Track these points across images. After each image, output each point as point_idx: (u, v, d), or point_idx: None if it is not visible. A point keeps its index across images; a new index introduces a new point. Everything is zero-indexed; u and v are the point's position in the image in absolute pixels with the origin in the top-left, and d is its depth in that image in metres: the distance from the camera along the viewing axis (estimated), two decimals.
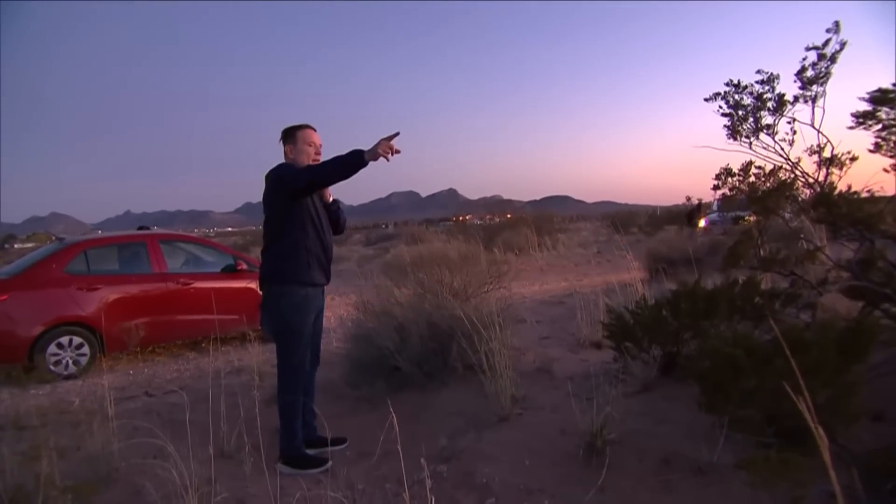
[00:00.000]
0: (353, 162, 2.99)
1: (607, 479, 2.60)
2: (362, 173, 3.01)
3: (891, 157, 3.11)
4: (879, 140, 3.16)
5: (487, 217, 30.80)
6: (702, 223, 16.88)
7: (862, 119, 3.07)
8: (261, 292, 3.36)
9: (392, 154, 2.97)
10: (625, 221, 26.65)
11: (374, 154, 2.94)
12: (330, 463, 3.30)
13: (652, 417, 3.23)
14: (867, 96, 2.99)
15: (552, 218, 25.90)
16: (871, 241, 3.37)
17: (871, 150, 3.35)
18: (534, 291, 10.57)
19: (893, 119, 3.01)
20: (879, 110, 3.02)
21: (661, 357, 3.75)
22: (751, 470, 2.21)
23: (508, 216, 25.57)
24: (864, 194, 3.41)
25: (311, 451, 3.39)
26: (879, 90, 2.97)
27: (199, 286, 7.14)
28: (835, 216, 3.10)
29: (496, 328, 3.92)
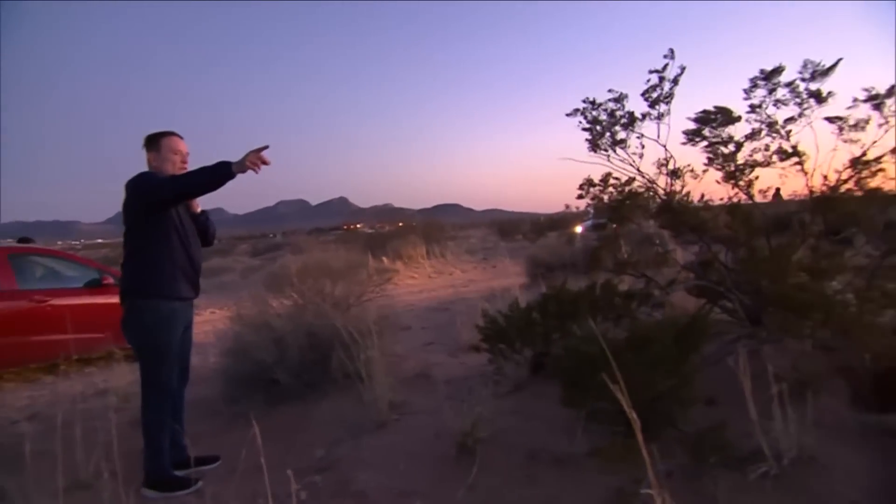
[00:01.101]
0: (219, 174, 2.92)
1: (477, 477, 2.71)
2: (247, 181, 2.94)
3: (718, 169, 3.51)
4: (710, 155, 3.56)
5: (378, 225, 30.71)
6: (578, 229, 17.92)
7: (691, 137, 3.46)
8: (122, 307, 3.16)
9: (261, 166, 2.92)
10: (510, 229, 27.69)
11: (242, 166, 2.89)
12: (200, 483, 3.16)
13: (521, 415, 3.40)
14: (694, 117, 3.38)
15: (442, 226, 26.33)
16: (708, 244, 3.79)
17: (705, 164, 3.78)
18: (422, 298, 10.71)
19: (715, 137, 3.42)
20: (704, 129, 3.42)
21: (532, 357, 3.96)
22: (600, 457, 2.42)
23: (399, 224, 25.68)
24: (701, 202, 3.85)
25: (180, 473, 3.23)
26: (703, 112, 3.36)
27: (57, 303, 6.53)
28: (676, 222, 3.47)
29: (376, 336, 3.95)
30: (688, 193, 3.94)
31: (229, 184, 2.99)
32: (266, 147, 2.92)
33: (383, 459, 3.08)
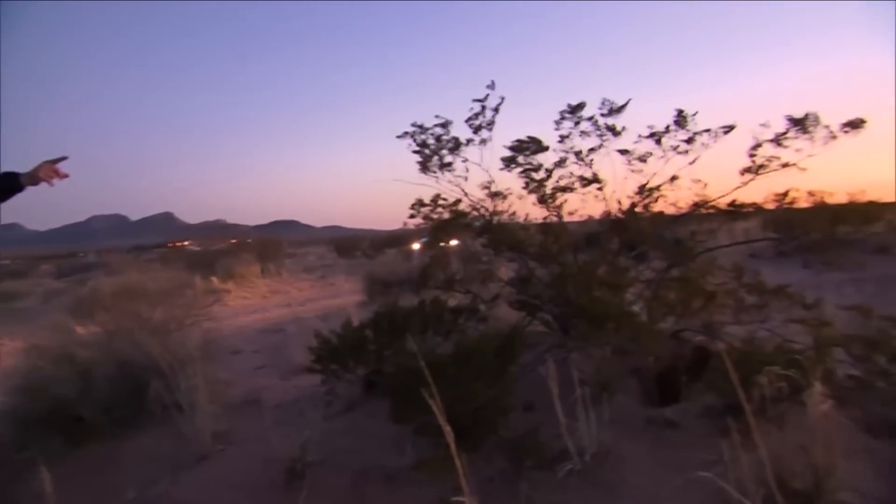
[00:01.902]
0: (4, 186, 2.55)
1: (306, 502, 2.64)
2: (47, 194, 2.58)
3: (532, 193, 3.84)
4: (526, 180, 3.89)
5: (208, 242, 28.71)
6: (416, 246, 18.32)
7: (507, 163, 3.76)
8: None
9: (57, 179, 2.61)
10: (350, 246, 27.51)
11: (34, 178, 2.55)
12: None
13: (353, 435, 3.39)
14: (509, 145, 3.69)
15: (278, 243, 25.41)
16: (526, 261, 4.11)
17: (523, 188, 4.11)
18: (254, 320, 10.21)
19: (528, 164, 3.75)
20: (518, 156, 3.74)
21: (365, 376, 3.97)
22: (424, 469, 2.50)
23: (232, 241, 24.27)
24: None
25: None
26: (518, 140, 3.68)
27: None
28: (497, 241, 3.72)
29: (200, 363, 3.70)
30: (513, 214, 4.25)
31: (23, 197, 2.63)
32: (64, 158, 2.62)
33: (204, 494, 2.88)
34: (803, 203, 3.32)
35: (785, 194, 3.32)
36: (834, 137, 3.34)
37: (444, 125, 4.08)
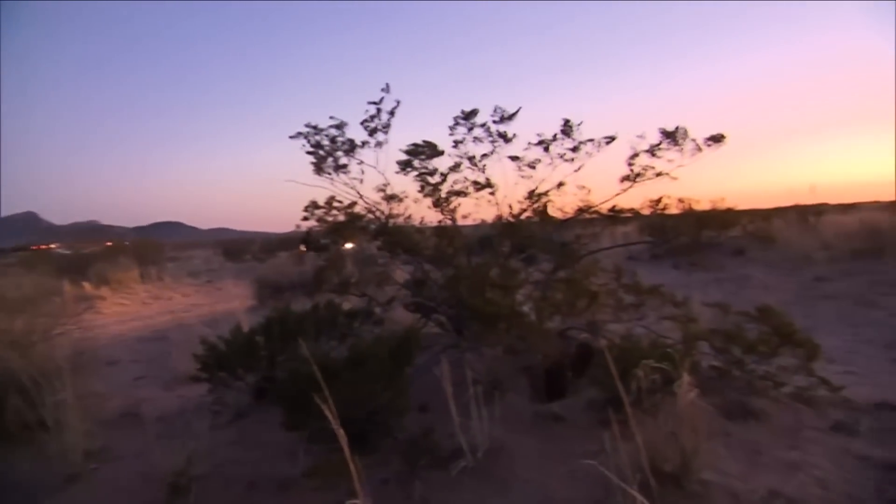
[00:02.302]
0: None
1: None
2: None
3: (427, 197, 3.89)
4: (422, 184, 3.93)
5: (79, 245, 26.25)
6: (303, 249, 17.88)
7: (402, 167, 3.78)
8: None
9: None
10: (238, 249, 26.35)
11: None
12: None
13: (243, 444, 3.26)
14: (405, 149, 3.72)
15: (160, 246, 23.79)
16: (421, 264, 4.15)
17: (419, 192, 4.14)
18: (133, 328, 9.49)
19: (423, 168, 3.80)
20: (413, 160, 3.77)
21: (255, 383, 3.82)
22: (317, 475, 2.45)
23: (107, 244, 22.38)
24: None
25: None
26: (413, 145, 3.72)
27: None
28: (392, 244, 3.73)
29: (68, 376, 3.39)
30: (408, 217, 4.27)
31: None
32: None
33: None
34: (674, 209, 3.62)
35: (658, 201, 3.60)
36: (700, 150, 3.67)
37: (339, 126, 4.03)
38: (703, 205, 3.62)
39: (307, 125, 4.05)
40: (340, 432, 1.57)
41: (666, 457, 2.38)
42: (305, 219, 4.60)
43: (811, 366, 3.23)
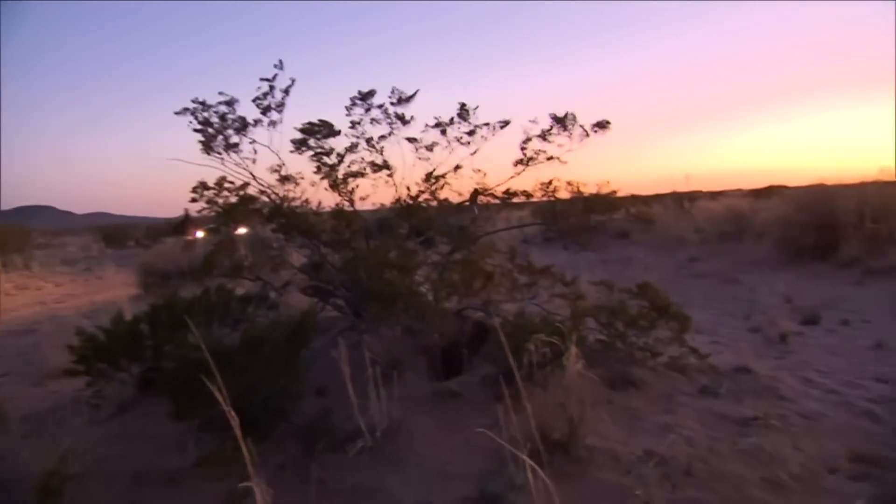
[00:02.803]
0: None
1: None
2: None
3: (324, 178, 3.82)
4: (318, 164, 3.84)
5: None
6: (201, 234, 16.91)
7: (297, 146, 3.68)
8: None
9: None
10: (120, 235, 24.48)
11: None
12: None
13: (126, 439, 3.07)
14: (299, 127, 3.62)
15: (26, 232, 21.57)
16: (318, 247, 4.07)
17: (315, 173, 4.05)
18: None
19: (319, 148, 3.72)
20: (308, 139, 3.68)
21: (140, 374, 3.61)
22: (208, 465, 2.37)
23: None
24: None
25: None
26: (309, 123, 3.62)
27: None
28: (287, 227, 3.62)
29: None
30: (305, 200, 4.17)
31: None
32: None
33: None
34: (564, 193, 3.80)
35: (549, 183, 3.77)
36: (587, 135, 3.87)
37: (229, 103, 3.84)
38: (590, 189, 3.83)
39: (194, 101, 3.83)
40: (232, 415, 1.52)
41: (554, 426, 2.52)
42: (193, 200, 4.36)
43: (683, 337, 3.53)
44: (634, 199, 3.81)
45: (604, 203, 3.75)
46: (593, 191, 3.77)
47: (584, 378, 2.57)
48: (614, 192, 3.74)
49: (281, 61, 3.73)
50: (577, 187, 3.76)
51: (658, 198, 14.10)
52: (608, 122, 3.76)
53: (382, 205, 4.23)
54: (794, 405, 3.20)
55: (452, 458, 2.56)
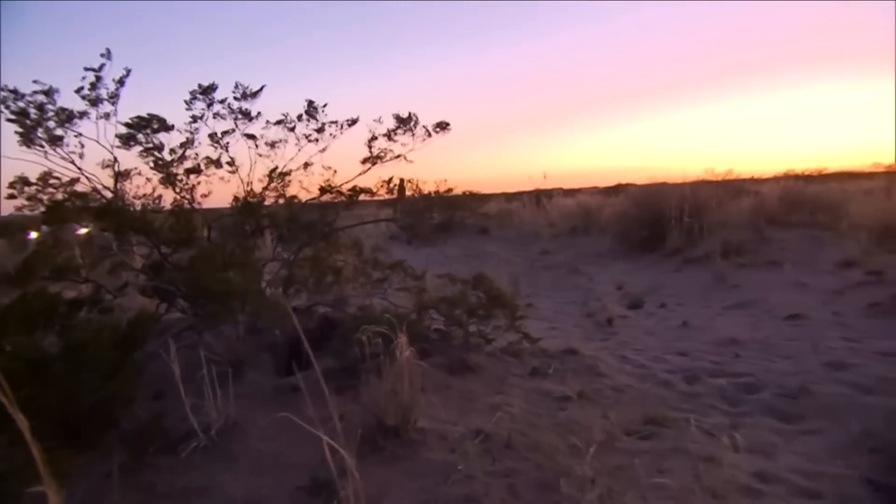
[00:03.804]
0: None
1: None
2: None
3: (161, 174, 3.67)
4: (152, 160, 3.68)
5: None
6: (33, 235, 15.24)
7: (125, 140, 3.51)
8: None
9: None
10: None
11: None
12: None
13: None
14: (128, 121, 3.46)
15: None
16: (158, 246, 3.90)
17: (152, 168, 3.87)
18: None
19: (150, 143, 3.58)
20: (138, 134, 3.53)
21: None
22: (14, 479, 2.23)
23: None
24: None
25: None
26: (138, 117, 3.47)
27: None
28: (120, 225, 3.44)
29: None
30: (143, 197, 3.97)
31: None
32: None
33: None
34: (408, 191, 3.97)
35: (389, 181, 3.92)
36: (430, 135, 4.07)
37: (48, 93, 3.56)
38: (435, 186, 4.03)
39: (4, 88, 3.51)
40: (25, 426, 1.47)
41: (388, 411, 2.67)
42: (12, 197, 3.99)
43: (517, 324, 3.84)
44: (472, 196, 4.06)
45: (442, 201, 3.97)
46: (439, 189, 3.97)
47: (415, 365, 2.73)
48: (450, 190, 3.97)
49: (109, 50, 3.53)
50: (418, 186, 3.95)
51: (521, 195, 14.95)
52: (447, 124, 3.98)
53: (235, 200, 4.15)
54: (608, 380, 3.62)
55: (290, 451, 2.61)
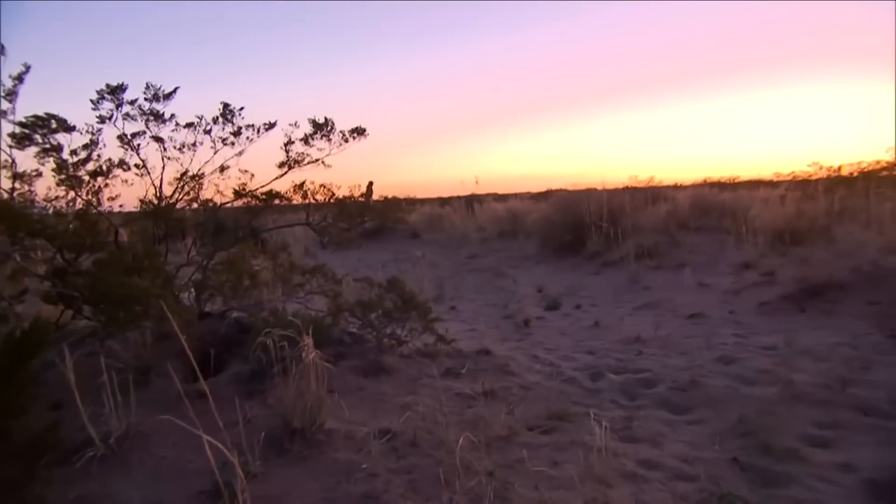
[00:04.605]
0: None
1: None
2: None
3: (64, 175, 3.55)
4: (57, 162, 3.55)
5: None
6: None
7: (19, 141, 3.37)
8: None
9: None
10: None
11: None
12: None
13: None
14: (22, 121, 3.32)
15: None
16: (61, 251, 3.76)
17: (53, 171, 3.73)
18: None
19: (46, 144, 3.45)
20: (34, 134, 3.40)
21: None
22: None
23: None
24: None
25: None
26: (35, 116, 3.34)
27: None
28: (13, 229, 3.29)
29: None
30: (56, 199, 3.82)
31: None
32: None
33: None
34: (320, 195, 3.99)
35: (301, 186, 3.94)
36: (346, 140, 4.11)
37: None
38: (347, 191, 4.07)
39: None
40: None
41: (294, 414, 2.69)
42: None
43: (432, 325, 3.94)
44: (388, 202, 4.13)
45: (356, 206, 4.02)
46: (350, 193, 4.01)
47: (322, 366, 2.76)
48: (363, 195, 4.03)
49: (3, 46, 3.37)
50: (331, 191, 3.99)
51: (453, 200, 15.15)
52: (364, 129, 4.03)
53: (153, 204, 4.04)
54: (518, 378, 3.77)
55: (193, 457, 2.59)
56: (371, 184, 4.47)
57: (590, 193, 9.86)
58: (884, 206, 7.10)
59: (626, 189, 11.95)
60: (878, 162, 10.61)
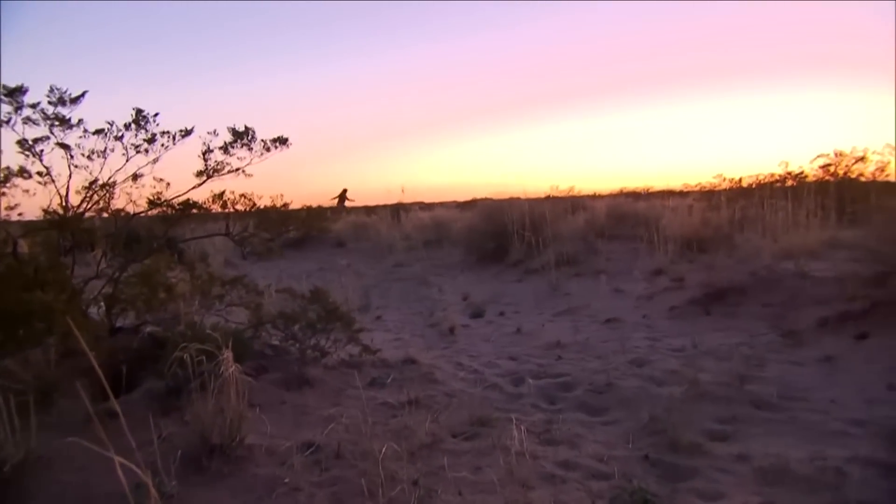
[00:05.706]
0: None
1: None
2: None
3: None
4: None
5: None
6: None
7: None
8: None
9: None
10: None
11: None
12: None
13: None
14: None
15: None
16: None
17: None
18: None
19: None
20: None
21: None
22: None
23: None
24: None
25: None
26: None
27: None
28: None
29: None
30: None
31: None
32: None
33: None
34: (241, 205, 3.91)
35: (221, 195, 3.84)
36: (268, 149, 4.04)
37: None
38: (269, 201, 4.00)
39: None
40: None
41: (213, 430, 2.62)
42: None
43: (356, 336, 3.93)
44: (310, 211, 4.10)
45: (278, 215, 3.97)
46: (273, 203, 3.95)
47: (242, 381, 2.71)
48: (286, 205, 3.98)
49: None
50: (252, 200, 3.91)
51: (380, 209, 15.10)
52: (286, 139, 3.98)
53: (61, 213, 3.81)
54: (443, 386, 3.82)
55: (100, 481, 2.46)
56: (345, 191, 4.42)
57: (513, 203, 10.12)
58: (777, 215, 7.74)
59: (548, 198, 12.38)
60: (772, 175, 11.56)
